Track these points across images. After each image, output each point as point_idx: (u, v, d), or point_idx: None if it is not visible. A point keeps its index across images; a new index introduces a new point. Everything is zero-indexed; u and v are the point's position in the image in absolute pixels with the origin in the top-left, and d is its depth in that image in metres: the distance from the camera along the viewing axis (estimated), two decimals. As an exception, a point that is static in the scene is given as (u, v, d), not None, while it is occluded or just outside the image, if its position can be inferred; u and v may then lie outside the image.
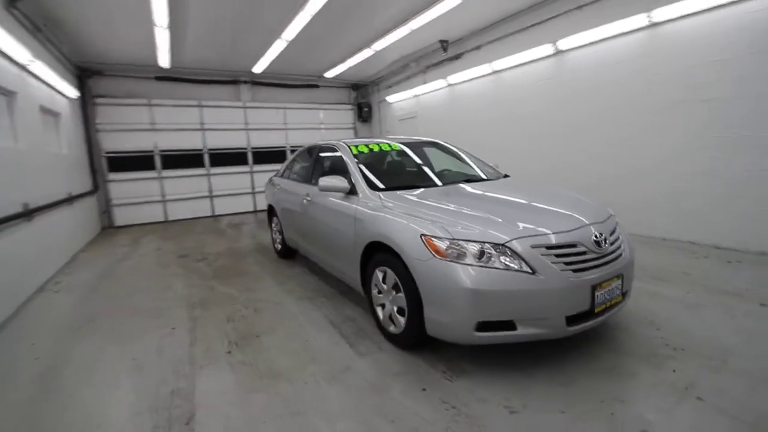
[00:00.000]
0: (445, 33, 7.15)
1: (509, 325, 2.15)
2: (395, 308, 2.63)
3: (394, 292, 2.62)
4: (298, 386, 2.29)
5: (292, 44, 6.88)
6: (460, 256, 2.18)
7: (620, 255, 2.44)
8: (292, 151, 10.43)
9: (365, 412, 2.04)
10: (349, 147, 3.67)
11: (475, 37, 7.13)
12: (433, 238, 2.29)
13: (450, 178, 3.50)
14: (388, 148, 3.81)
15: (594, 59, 5.39)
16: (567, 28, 5.56)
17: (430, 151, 4.06)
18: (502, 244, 2.18)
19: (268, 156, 9.90)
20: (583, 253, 2.25)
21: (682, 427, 1.80)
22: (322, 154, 4.17)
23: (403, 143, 3.92)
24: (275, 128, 9.97)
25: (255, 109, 9.68)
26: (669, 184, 4.81)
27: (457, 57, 7.66)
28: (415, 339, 2.51)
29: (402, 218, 2.58)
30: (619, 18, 4.90)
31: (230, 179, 9.52)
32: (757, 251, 4.12)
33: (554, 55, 5.87)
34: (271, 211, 5.33)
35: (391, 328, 2.70)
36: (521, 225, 2.31)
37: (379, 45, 7.19)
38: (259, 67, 8.52)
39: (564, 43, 5.62)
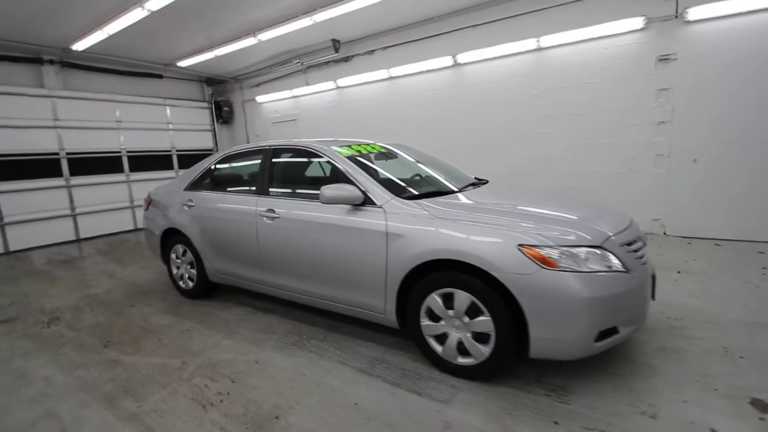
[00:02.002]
0: (337, 33, 6.79)
1: (614, 330, 2.10)
2: (468, 335, 2.25)
3: (467, 318, 2.23)
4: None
5: (152, 17, 5.27)
6: (570, 265, 2.00)
7: None
8: (180, 156, 8.41)
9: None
10: (334, 149, 2.99)
11: (368, 41, 7.02)
12: (535, 248, 2.04)
13: (459, 181, 3.21)
14: (368, 150, 3.28)
15: (489, 74, 6.02)
16: (463, 44, 6.05)
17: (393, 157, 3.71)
18: (600, 246, 2.11)
19: (95, 164, 7.38)
20: (642, 247, 2.40)
21: None
22: (280, 159, 3.27)
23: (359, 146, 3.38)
24: (102, 127, 7.49)
25: (68, 100, 7.04)
26: (547, 182, 5.77)
27: (346, 59, 7.39)
28: (504, 366, 2.19)
29: (478, 227, 2.22)
30: (511, 41, 5.62)
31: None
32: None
33: (453, 66, 6.31)
34: (168, 238, 3.92)
35: (461, 360, 2.30)
36: (594, 226, 2.29)
37: (266, 35, 6.26)
38: (84, 44, 6.22)
39: (463, 57, 6.11)
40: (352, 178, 2.73)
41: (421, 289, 2.37)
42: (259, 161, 3.37)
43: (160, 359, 2.78)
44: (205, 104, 9.30)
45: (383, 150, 3.47)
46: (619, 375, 2.29)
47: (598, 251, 2.08)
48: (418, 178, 3.23)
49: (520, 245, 2.06)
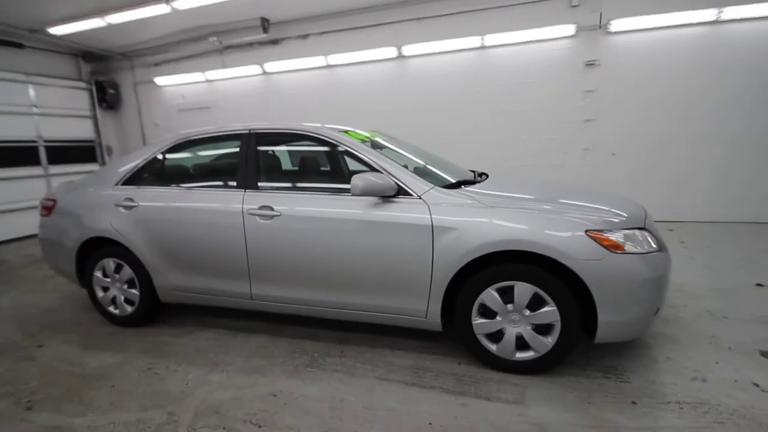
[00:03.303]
0: (267, 11, 6.07)
1: (658, 308, 2.21)
2: (529, 328, 2.14)
3: (527, 311, 2.12)
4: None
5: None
6: (633, 247, 2.03)
7: None
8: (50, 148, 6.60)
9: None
10: (344, 133, 2.56)
11: (303, 24, 6.42)
12: (603, 232, 2.02)
13: (461, 173, 2.99)
14: (363, 138, 2.92)
15: (435, 68, 6.06)
16: (409, 36, 5.97)
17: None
18: (644, 227, 2.20)
19: None
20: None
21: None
22: (270, 146, 2.68)
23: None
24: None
25: None
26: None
27: (275, 42, 6.67)
28: (568, 355, 2.14)
29: (539, 216, 2.11)
30: (457, 36, 5.75)
31: None
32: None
33: (398, 58, 6.18)
34: (89, 251, 2.96)
35: (519, 355, 2.18)
36: (630, 208, 2.36)
37: (183, 3, 5.25)
38: None
39: (408, 50, 6.02)
40: (377, 167, 2.38)
41: (475, 285, 2.17)
42: (236, 149, 2.73)
43: (131, 414, 2.04)
44: (83, 84, 7.46)
45: (366, 138, 3.15)
46: (646, 346, 2.45)
47: (645, 233, 2.17)
48: (422, 168, 3.01)
49: (587, 231, 2.03)
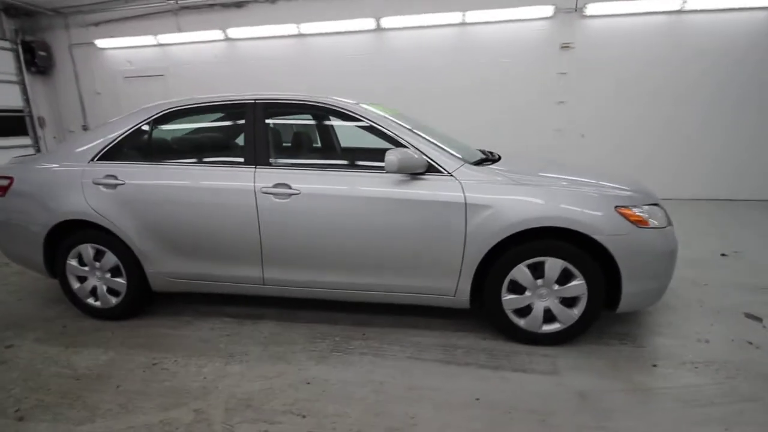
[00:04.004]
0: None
1: (668, 278, 2.39)
2: (556, 302, 2.21)
3: (557, 285, 2.18)
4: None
5: None
6: (654, 222, 2.15)
7: None
8: None
9: (684, 418, 1.74)
10: (368, 107, 2.41)
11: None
12: (631, 208, 2.11)
13: (470, 151, 2.93)
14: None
15: (414, 42, 5.92)
16: (388, 8, 5.75)
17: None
18: (657, 203, 2.33)
19: None
20: None
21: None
22: (281, 119, 2.44)
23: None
24: None
25: None
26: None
27: (239, 5, 6.11)
28: (591, 325, 2.25)
29: (569, 192, 2.14)
30: (439, 11, 5.62)
31: None
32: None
33: (376, 30, 5.94)
34: (60, 236, 2.58)
35: (546, 328, 2.25)
36: (638, 187, 2.46)
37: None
38: None
39: (387, 22, 5.80)
40: (405, 143, 2.28)
41: (506, 261, 2.19)
42: (240, 121, 2.48)
43: (151, 415, 1.83)
44: (6, 44, 6.37)
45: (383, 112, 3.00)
46: (647, 313, 2.65)
47: (660, 207, 2.30)
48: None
49: (617, 207, 2.11)
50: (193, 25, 6.36)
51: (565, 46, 5.55)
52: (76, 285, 2.69)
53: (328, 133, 2.71)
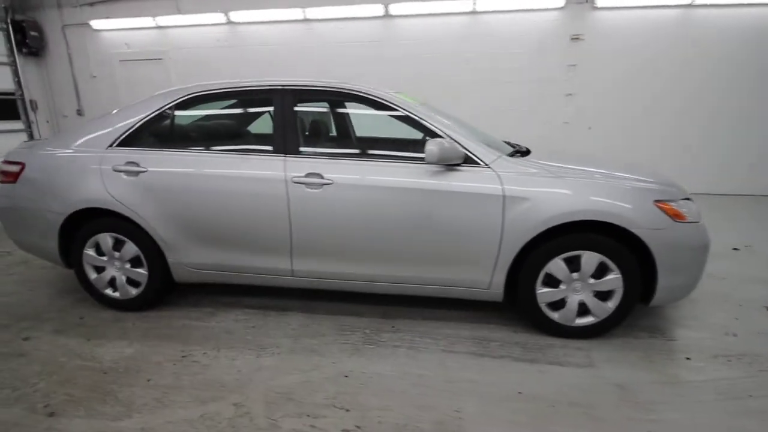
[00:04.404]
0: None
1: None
2: (590, 295, 2.21)
3: (592, 279, 2.18)
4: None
5: None
6: (690, 216, 2.15)
7: None
8: None
9: (724, 411, 1.76)
10: (398, 95, 2.35)
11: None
12: (669, 202, 2.10)
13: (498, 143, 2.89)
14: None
15: (424, 30, 5.81)
16: (397, -8, 5.63)
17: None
18: (689, 198, 2.33)
19: None
20: None
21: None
22: (311, 107, 2.36)
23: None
24: None
25: None
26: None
27: (243, -13, 5.91)
28: (622, 319, 2.25)
29: (608, 186, 2.13)
30: (448, -2, 5.53)
31: None
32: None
33: (384, 17, 5.81)
34: (77, 225, 2.49)
35: (579, 321, 2.26)
36: (669, 182, 2.47)
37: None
38: None
39: (396, 8, 5.68)
40: (441, 133, 2.23)
41: (542, 254, 2.18)
42: (268, 108, 2.40)
43: (190, 410, 1.79)
44: (-5, 22, 6.06)
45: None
46: (672, 306, 2.67)
47: (692, 202, 2.31)
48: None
49: (656, 201, 2.11)
50: (194, 7, 6.14)
51: (575, 38, 5.51)
52: (93, 275, 2.60)
53: (359, 122, 2.65)
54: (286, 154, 2.32)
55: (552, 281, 2.23)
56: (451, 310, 2.61)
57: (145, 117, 2.48)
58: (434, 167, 2.21)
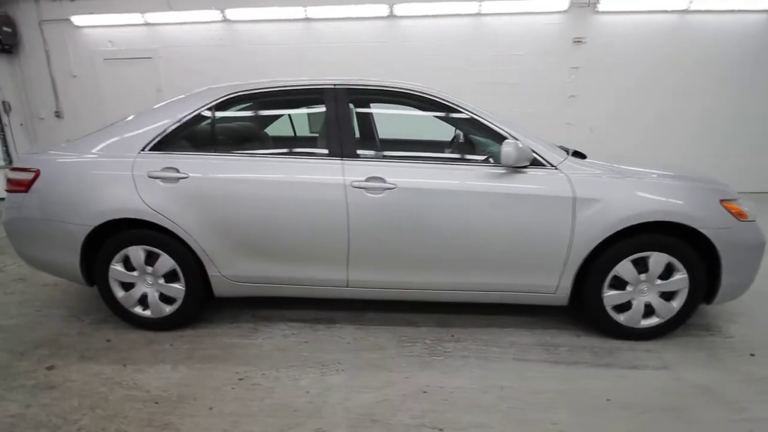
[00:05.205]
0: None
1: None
2: (655, 296, 2.20)
3: (659, 280, 2.17)
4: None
5: None
6: (750, 215, 2.18)
7: None
8: None
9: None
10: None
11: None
12: (733, 202, 2.12)
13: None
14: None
15: (428, 32, 5.75)
16: (402, -7, 5.55)
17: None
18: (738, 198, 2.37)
19: None
20: None
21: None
22: (366, 108, 2.23)
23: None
24: None
25: None
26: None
27: (241, -16, 5.66)
28: (686, 319, 2.25)
29: (674, 187, 2.13)
30: (452, 0, 5.50)
31: None
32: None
33: (388, 18, 5.71)
34: (101, 237, 2.25)
35: (644, 322, 2.24)
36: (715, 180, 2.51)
37: None
38: None
39: (400, 9, 5.59)
40: (509, 135, 2.16)
41: (611, 257, 2.15)
42: (318, 109, 2.26)
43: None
44: (-39, 15, 5.53)
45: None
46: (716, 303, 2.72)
47: (746, 201, 2.35)
48: None
49: (721, 200, 2.12)
50: (187, 4, 5.82)
51: (577, 41, 5.62)
52: (120, 293, 2.36)
53: (419, 123, 2.54)
54: (343, 157, 2.18)
55: (619, 283, 2.20)
56: (506, 315, 2.54)
57: (182, 119, 2.27)
58: (499, 170, 2.14)
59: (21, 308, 2.76)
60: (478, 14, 5.63)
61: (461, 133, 2.85)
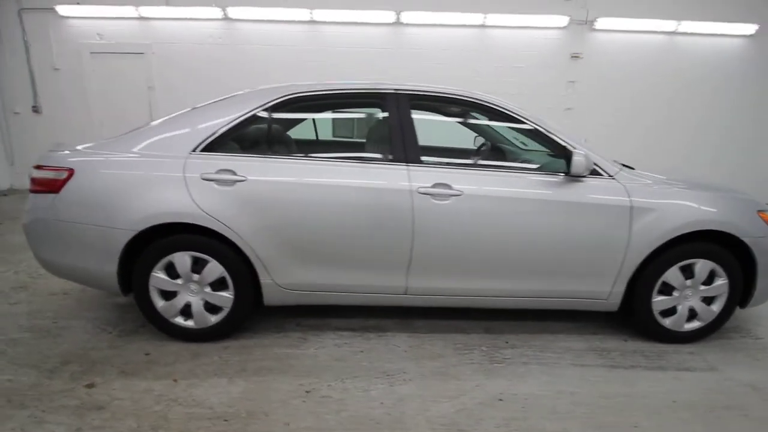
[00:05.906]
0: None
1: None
2: (698, 300, 2.31)
3: (702, 286, 2.28)
4: None
5: None
6: (778, 224, 2.36)
7: None
8: None
9: None
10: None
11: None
12: (766, 212, 2.28)
13: None
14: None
15: (434, 41, 5.83)
16: (409, 3, 5.60)
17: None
18: (764, 208, 2.55)
19: None
20: None
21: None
22: (424, 115, 2.21)
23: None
24: None
25: None
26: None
27: (243, -17, 5.50)
28: (724, 322, 2.38)
29: (716, 197, 2.26)
30: (459, 10, 5.61)
31: None
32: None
33: (394, 24, 5.74)
34: (143, 243, 2.10)
35: (687, 326, 2.35)
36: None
37: None
38: None
39: (407, 17, 5.64)
40: (570, 146, 2.21)
41: (661, 263, 2.24)
42: (380, 113, 2.22)
43: (357, 454, 1.56)
44: (-71, -3, 5.02)
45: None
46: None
47: (770, 210, 2.53)
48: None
49: (758, 211, 2.27)
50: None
51: (575, 56, 5.89)
52: (160, 303, 2.20)
53: (481, 132, 2.55)
54: (408, 162, 2.15)
55: (666, 289, 2.31)
56: (551, 321, 2.59)
57: (236, 118, 2.16)
58: (557, 178, 2.20)
59: (32, 320, 2.51)
60: (483, 26, 5.78)
61: (489, 142, 2.91)
